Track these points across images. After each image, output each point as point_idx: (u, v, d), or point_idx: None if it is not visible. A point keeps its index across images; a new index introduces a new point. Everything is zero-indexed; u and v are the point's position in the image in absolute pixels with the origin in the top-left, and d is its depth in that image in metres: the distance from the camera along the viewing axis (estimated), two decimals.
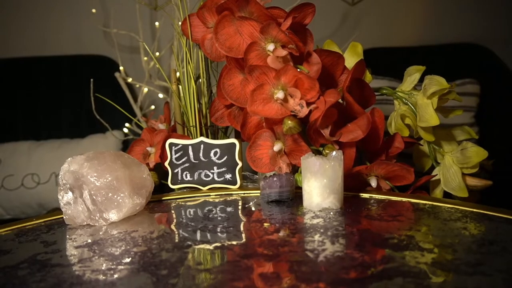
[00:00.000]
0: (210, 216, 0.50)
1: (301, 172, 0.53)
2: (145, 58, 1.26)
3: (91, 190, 0.49)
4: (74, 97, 1.40)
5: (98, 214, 0.50)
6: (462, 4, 1.54)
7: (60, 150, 1.28)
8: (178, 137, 0.66)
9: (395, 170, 0.58)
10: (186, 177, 0.62)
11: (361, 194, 0.56)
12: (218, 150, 0.61)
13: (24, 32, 1.49)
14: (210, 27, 0.65)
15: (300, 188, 0.54)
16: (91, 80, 0.95)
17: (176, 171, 0.63)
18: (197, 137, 0.65)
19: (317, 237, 0.42)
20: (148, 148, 0.71)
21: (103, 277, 0.35)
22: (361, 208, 0.51)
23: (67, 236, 0.47)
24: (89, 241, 0.45)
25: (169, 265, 0.37)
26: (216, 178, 0.62)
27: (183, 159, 0.62)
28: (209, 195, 0.60)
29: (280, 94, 0.56)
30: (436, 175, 0.66)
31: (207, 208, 0.54)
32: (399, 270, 0.34)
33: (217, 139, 0.76)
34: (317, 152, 0.60)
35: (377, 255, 0.37)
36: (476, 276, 0.32)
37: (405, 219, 0.46)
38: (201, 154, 0.62)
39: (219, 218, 0.50)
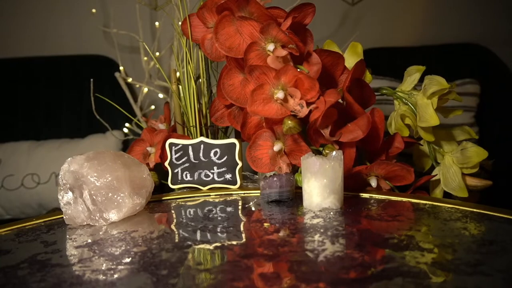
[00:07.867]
0: (210, 216, 0.50)
1: (301, 172, 0.53)
2: (145, 58, 1.26)
3: (91, 190, 0.49)
4: (74, 97, 1.40)
5: (98, 214, 0.50)
6: (462, 4, 1.54)
7: (60, 150, 1.28)
8: (178, 137, 0.66)
9: (395, 170, 0.58)
10: (186, 177, 0.62)
11: (361, 194, 0.56)
12: (218, 150, 0.61)
13: (24, 32, 1.49)
14: (210, 27, 0.65)
15: (300, 188, 0.54)
16: (91, 80, 0.95)
17: (176, 171, 0.63)
18: (197, 137, 0.65)
19: (317, 237, 0.42)
20: (148, 148, 0.71)
21: (103, 277, 0.35)
22: (361, 208, 0.51)
23: (67, 236, 0.47)
24: (89, 241, 0.45)
25: (169, 265, 0.37)
26: (216, 178, 0.62)
27: (183, 159, 0.62)
28: (209, 195, 0.60)
29: (280, 94, 0.56)
30: (436, 175, 0.66)
31: (207, 208, 0.54)
32: (399, 270, 0.34)
33: (217, 139, 0.76)
34: (317, 152, 0.59)
35: (377, 255, 0.37)
36: (476, 276, 0.32)
37: (405, 219, 0.46)
38: (201, 154, 0.62)
39: (219, 218, 0.50)
